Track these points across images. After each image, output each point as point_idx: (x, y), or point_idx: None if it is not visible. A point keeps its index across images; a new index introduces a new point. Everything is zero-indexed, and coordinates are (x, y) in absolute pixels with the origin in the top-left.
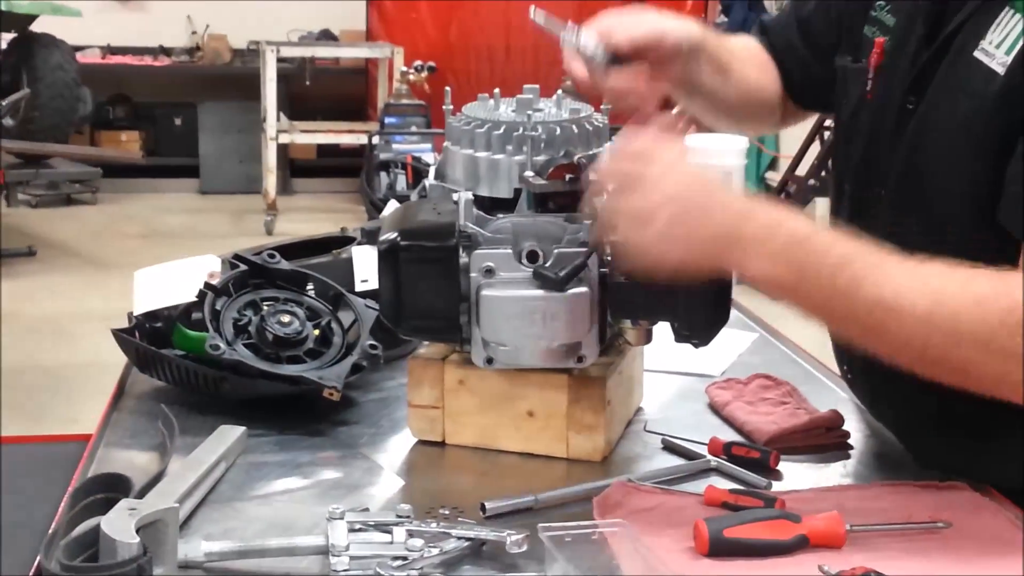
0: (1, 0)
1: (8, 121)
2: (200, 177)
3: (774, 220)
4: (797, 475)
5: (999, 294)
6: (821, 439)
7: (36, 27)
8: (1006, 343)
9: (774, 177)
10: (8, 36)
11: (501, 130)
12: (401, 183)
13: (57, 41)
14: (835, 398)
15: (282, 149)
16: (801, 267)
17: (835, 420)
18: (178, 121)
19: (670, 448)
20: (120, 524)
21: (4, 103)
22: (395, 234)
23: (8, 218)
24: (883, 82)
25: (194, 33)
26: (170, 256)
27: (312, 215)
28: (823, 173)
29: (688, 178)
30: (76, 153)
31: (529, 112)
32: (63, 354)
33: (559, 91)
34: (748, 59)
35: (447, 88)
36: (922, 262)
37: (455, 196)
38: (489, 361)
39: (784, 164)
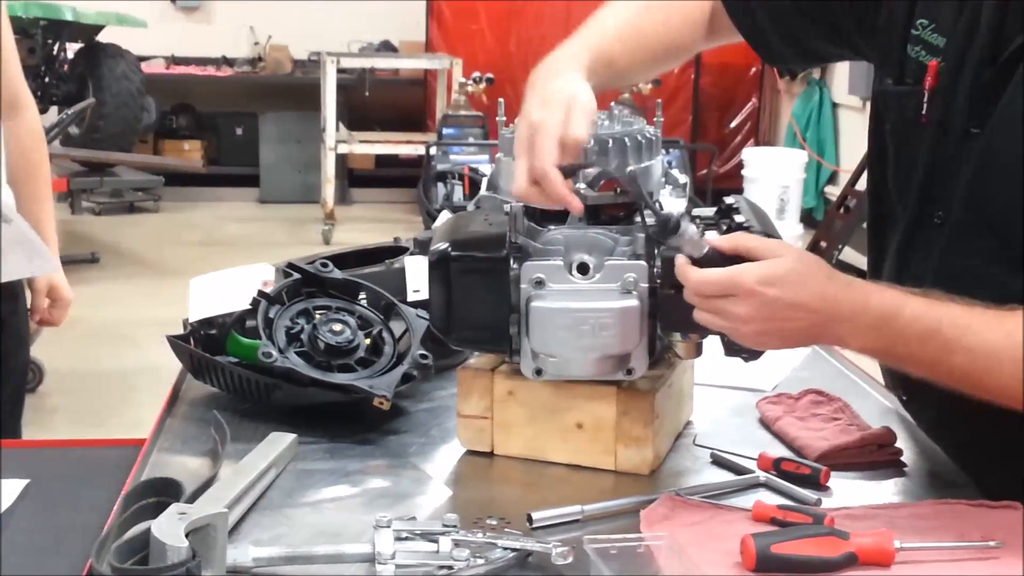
0: (68, 11)
1: (74, 130)
2: (260, 186)
3: (860, 302)
4: (847, 492)
5: None
6: (873, 456)
7: (102, 37)
8: None
9: (833, 191)
10: (75, 46)
11: None
12: (458, 194)
13: (123, 51)
14: (887, 415)
15: (341, 159)
16: (892, 343)
17: (887, 437)
18: (239, 130)
19: (719, 462)
20: (170, 528)
21: (69, 112)
22: (446, 244)
23: (72, 225)
24: (940, 106)
25: (256, 44)
26: (229, 264)
27: (369, 225)
28: None
29: (771, 296)
30: (139, 162)
31: None
32: (124, 359)
33: (612, 103)
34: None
35: (500, 100)
36: (1004, 313)
37: (507, 207)
38: (538, 372)
39: (844, 178)
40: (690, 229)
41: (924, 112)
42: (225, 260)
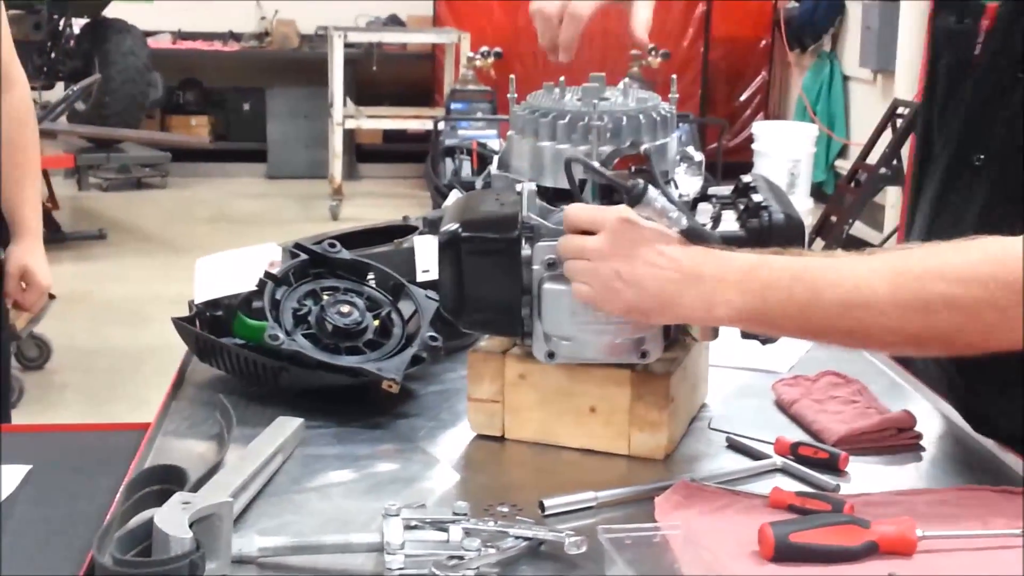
0: None
1: (80, 105)
2: (267, 162)
3: (722, 260)
4: (867, 477)
5: (962, 251)
6: (892, 440)
7: (108, 13)
8: (980, 294)
9: (844, 165)
10: (81, 22)
11: (566, 119)
12: (466, 169)
13: (128, 27)
14: (907, 397)
15: (348, 134)
16: (762, 293)
17: (907, 420)
18: (246, 106)
19: (735, 447)
20: (174, 518)
21: (75, 88)
22: (456, 225)
23: (79, 201)
24: (992, 48)
25: (263, 18)
26: (238, 240)
27: (377, 200)
28: (894, 162)
29: (633, 233)
30: (144, 138)
31: (595, 101)
32: (133, 336)
33: (625, 79)
34: None
35: (512, 76)
36: (872, 252)
37: (518, 187)
38: (551, 355)
39: (854, 152)
40: (659, 200)
41: (977, 52)
42: (233, 236)
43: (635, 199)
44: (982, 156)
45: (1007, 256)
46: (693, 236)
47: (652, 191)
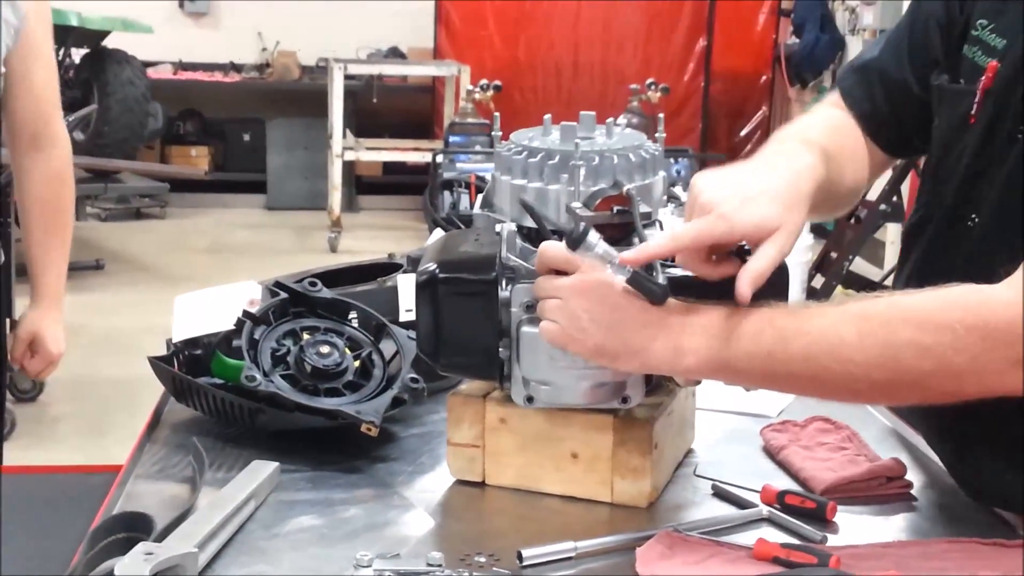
0: (74, 17)
1: (79, 135)
2: (267, 193)
3: (689, 307)
4: (855, 528)
5: (932, 297)
6: (881, 489)
7: (108, 43)
8: (946, 339)
9: None
10: (81, 52)
11: (547, 159)
12: (464, 202)
13: (128, 57)
14: (897, 445)
15: (348, 166)
16: (728, 342)
17: (897, 469)
18: (246, 137)
19: (720, 495)
20: (135, 569)
21: (71, 118)
22: (434, 265)
23: (78, 232)
24: (991, 108)
25: (264, 50)
26: (236, 270)
27: (376, 232)
28: (894, 198)
29: (607, 277)
30: (139, 169)
31: (577, 141)
32: (129, 367)
33: (611, 119)
34: (840, 166)
35: (496, 114)
36: (841, 303)
37: (499, 227)
38: (529, 400)
39: None
40: (601, 245)
41: (974, 112)
42: (231, 267)
43: (574, 242)
44: (975, 216)
45: (978, 301)
46: (636, 284)
47: (593, 236)
